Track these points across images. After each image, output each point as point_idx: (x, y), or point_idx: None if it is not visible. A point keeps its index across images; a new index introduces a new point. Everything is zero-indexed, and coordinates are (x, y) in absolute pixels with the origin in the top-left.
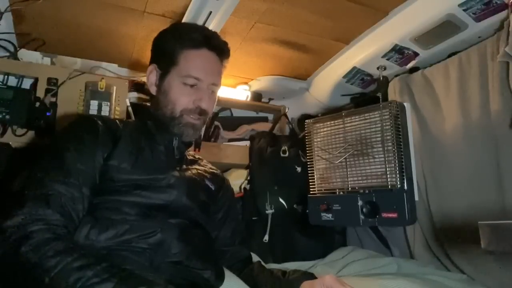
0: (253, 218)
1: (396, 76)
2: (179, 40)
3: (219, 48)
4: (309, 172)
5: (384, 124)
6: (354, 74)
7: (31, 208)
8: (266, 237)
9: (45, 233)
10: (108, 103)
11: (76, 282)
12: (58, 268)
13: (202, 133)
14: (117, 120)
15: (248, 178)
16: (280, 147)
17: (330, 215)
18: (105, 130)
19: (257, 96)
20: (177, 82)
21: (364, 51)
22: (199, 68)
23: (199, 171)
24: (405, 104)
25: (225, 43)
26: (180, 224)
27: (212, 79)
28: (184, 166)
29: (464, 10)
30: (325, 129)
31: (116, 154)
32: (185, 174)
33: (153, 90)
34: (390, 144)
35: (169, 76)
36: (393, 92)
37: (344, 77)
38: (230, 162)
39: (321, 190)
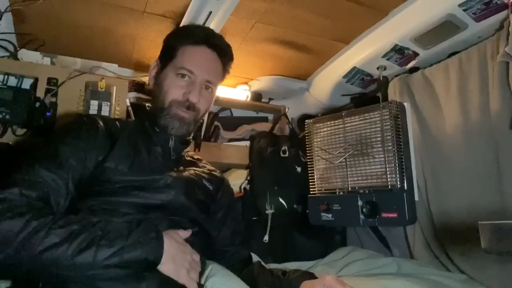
0: (253, 218)
1: (396, 76)
2: (182, 36)
3: (219, 48)
4: (309, 172)
5: (384, 124)
6: (354, 74)
7: (17, 190)
8: (266, 237)
9: (24, 208)
10: (108, 103)
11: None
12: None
13: (202, 133)
14: (117, 121)
15: (248, 178)
16: (280, 147)
17: (330, 215)
18: (104, 132)
19: (257, 96)
20: (171, 74)
21: (364, 51)
22: (193, 62)
23: (196, 172)
24: (405, 104)
25: (227, 45)
26: (179, 223)
27: (207, 75)
28: (182, 168)
29: (464, 10)
30: (325, 129)
31: (113, 156)
32: (182, 175)
33: (151, 83)
34: (390, 144)
35: (166, 69)
36: (393, 92)
37: (344, 77)
38: (230, 162)
39: (321, 190)
